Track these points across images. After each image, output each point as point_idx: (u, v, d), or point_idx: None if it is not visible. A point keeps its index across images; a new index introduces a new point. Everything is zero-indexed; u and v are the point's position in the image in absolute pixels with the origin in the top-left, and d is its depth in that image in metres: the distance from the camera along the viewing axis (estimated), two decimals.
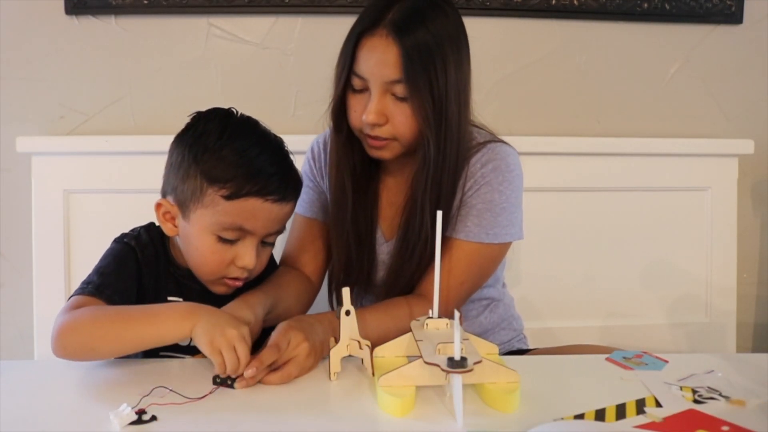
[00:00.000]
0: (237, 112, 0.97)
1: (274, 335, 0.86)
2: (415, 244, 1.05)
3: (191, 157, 0.91)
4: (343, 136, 1.07)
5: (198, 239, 0.93)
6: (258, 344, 0.87)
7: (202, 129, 0.93)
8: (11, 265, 1.62)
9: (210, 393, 0.79)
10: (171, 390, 0.79)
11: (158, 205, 0.97)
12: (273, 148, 0.95)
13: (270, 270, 1.06)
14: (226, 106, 0.98)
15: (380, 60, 0.97)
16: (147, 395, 0.77)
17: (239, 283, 0.97)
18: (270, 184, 0.91)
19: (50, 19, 1.55)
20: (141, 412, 0.73)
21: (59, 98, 1.58)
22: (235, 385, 0.81)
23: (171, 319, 0.83)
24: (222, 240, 0.92)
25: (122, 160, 1.52)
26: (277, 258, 1.16)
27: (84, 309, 0.86)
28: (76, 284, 0.94)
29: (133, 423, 0.71)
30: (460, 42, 1.02)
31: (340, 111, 1.05)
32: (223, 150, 0.90)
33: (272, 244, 0.99)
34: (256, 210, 0.91)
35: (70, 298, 0.91)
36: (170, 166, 0.96)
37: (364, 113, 1.00)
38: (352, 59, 1.00)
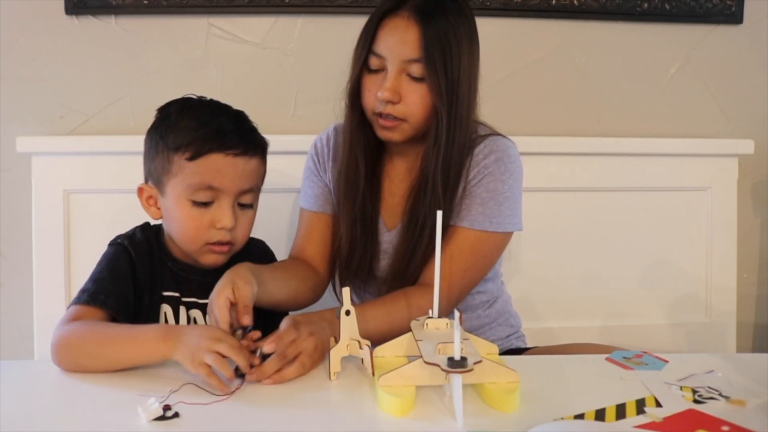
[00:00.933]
0: (196, 96, 1.02)
1: (281, 328, 0.87)
2: (422, 230, 1.07)
3: (158, 137, 0.98)
4: (357, 116, 1.11)
5: (175, 209, 0.97)
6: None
7: (165, 113, 0.99)
8: (11, 265, 1.61)
9: (237, 389, 0.80)
10: (197, 386, 0.80)
11: (140, 191, 1.02)
12: (230, 113, 1.00)
13: (267, 260, 1.08)
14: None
15: (401, 39, 1.03)
16: (176, 391, 0.79)
17: (225, 248, 0.98)
18: (230, 140, 0.95)
19: (50, 19, 1.55)
20: (166, 408, 0.74)
21: (59, 98, 1.58)
22: (247, 377, 0.82)
23: (148, 343, 0.84)
24: (197, 204, 0.96)
25: (122, 160, 1.52)
26: (280, 254, 1.16)
27: (76, 325, 0.89)
28: (76, 284, 0.96)
29: (157, 419, 0.73)
30: (473, 36, 1.08)
31: (356, 90, 1.09)
32: (183, 121, 0.96)
33: (251, 206, 1.01)
34: (220, 165, 0.94)
35: (69, 307, 0.94)
36: (145, 154, 1.02)
37: (378, 91, 1.04)
38: (372, 38, 1.05)
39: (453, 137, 1.05)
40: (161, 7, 1.55)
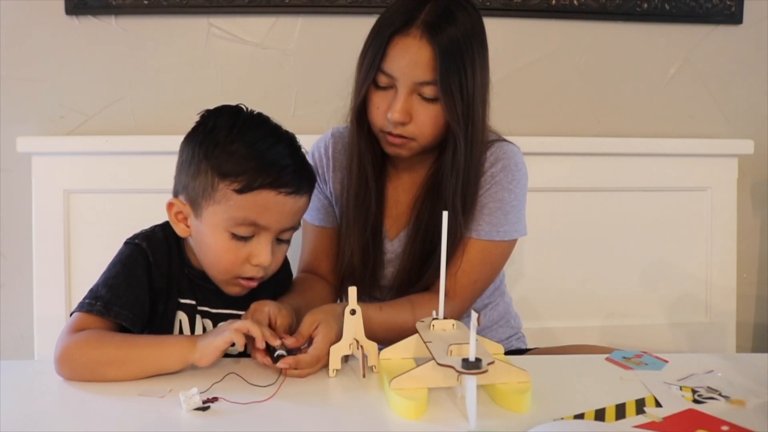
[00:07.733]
0: (246, 108, 0.96)
1: (323, 332, 0.87)
2: (431, 239, 1.06)
3: (201, 154, 0.90)
4: (365, 132, 1.07)
5: (211, 237, 0.91)
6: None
7: (212, 125, 0.92)
8: (11, 265, 1.61)
9: (280, 386, 0.81)
10: (240, 377, 0.83)
11: (170, 205, 0.94)
12: (285, 141, 0.93)
13: (283, 273, 1.06)
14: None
15: (413, 61, 0.98)
16: (218, 381, 0.80)
17: (254, 284, 0.95)
18: (284, 176, 0.89)
19: (50, 19, 1.55)
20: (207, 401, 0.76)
21: (59, 98, 1.58)
22: (278, 363, 0.82)
23: (176, 346, 0.84)
24: (235, 237, 0.90)
25: (122, 160, 1.52)
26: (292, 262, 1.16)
27: (89, 333, 0.85)
28: (77, 284, 0.93)
29: (198, 408, 0.75)
30: (484, 43, 1.04)
31: (362, 107, 1.05)
32: (234, 144, 0.89)
33: (287, 242, 0.97)
34: (270, 203, 0.89)
35: (73, 312, 0.89)
36: (181, 165, 0.94)
37: (388, 111, 1.01)
38: (382, 57, 1.00)
39: (470, 159, 1.03)
40: (161, 7, 1.55)
